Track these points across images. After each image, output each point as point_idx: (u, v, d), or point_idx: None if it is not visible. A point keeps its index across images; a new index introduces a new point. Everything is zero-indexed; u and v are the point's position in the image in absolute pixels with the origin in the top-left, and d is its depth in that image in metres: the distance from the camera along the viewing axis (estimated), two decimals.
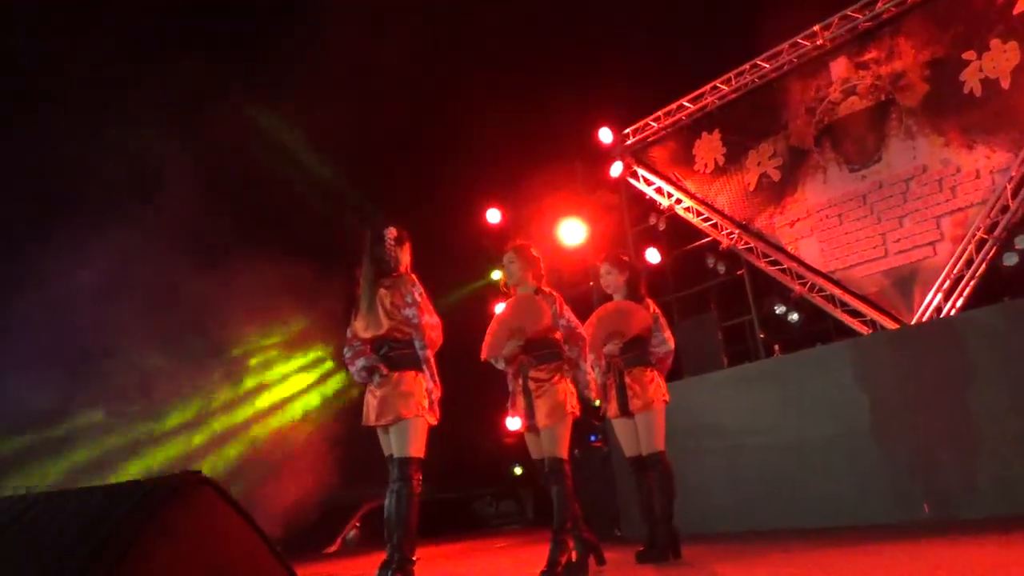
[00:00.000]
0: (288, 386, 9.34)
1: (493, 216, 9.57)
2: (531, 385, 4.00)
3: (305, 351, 9.26)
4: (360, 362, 3.70)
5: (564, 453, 3.94)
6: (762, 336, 8.13)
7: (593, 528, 4.26)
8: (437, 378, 3.71)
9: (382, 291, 3.70)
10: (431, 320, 3.70)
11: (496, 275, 9.02)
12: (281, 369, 9.29)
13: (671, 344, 4.67)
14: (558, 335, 4.10)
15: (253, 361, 8.90)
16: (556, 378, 3.99)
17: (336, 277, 7.88)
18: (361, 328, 3.74)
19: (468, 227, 9.42)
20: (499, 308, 4.25)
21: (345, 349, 3.80)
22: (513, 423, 4.15)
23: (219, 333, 8.25)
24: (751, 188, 8.57)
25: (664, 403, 4.52)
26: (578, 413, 4.01)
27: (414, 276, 3.80)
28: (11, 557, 1.81)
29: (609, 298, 4.83)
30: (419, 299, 3.67)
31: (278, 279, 8.50)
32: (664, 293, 9.06)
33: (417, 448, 3.58)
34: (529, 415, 3.99)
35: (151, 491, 1.74)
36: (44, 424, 7.31)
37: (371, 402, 3.68)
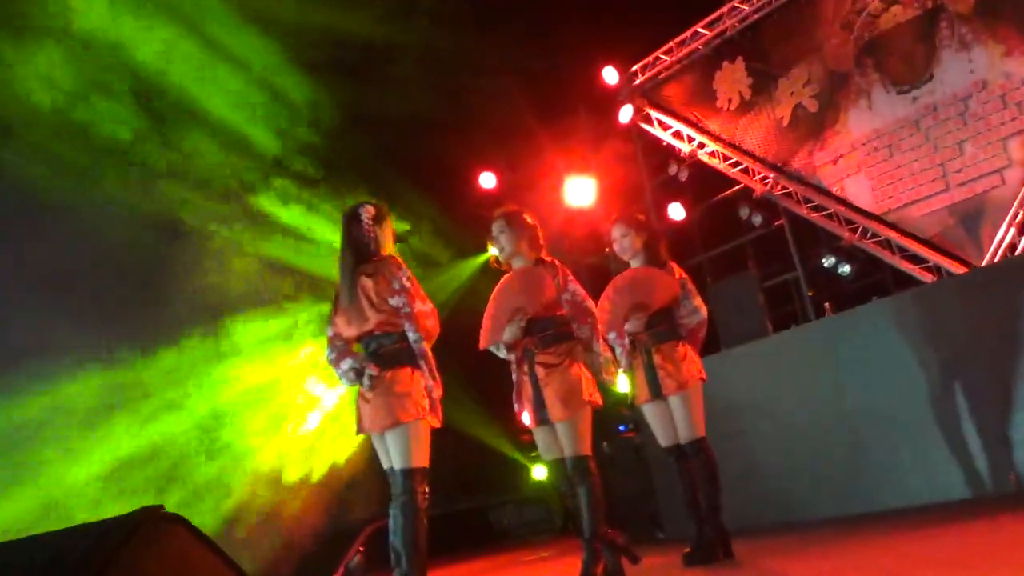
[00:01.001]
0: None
1: (486, 181, 9.56)
2: (539, 372, 3.98)
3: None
4: (346, 363, 3.71)
5: (587, 448, 3.94)
6: (810, 294, 8.13)
7: (632, 531, 4.27)
8: (437, 374, 3.72)
9: (364, 279, 3.70)
10: (424, 307, 3.70)
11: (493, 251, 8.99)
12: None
13: (703, 313, 4.65)
14: (564, 311, 4.08)
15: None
16: (567, 361, 3.97)
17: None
18: (344, 324, 3.74)
19: (458, 196, 9.40)
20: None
21: (327, 350, 3.81)
22: (525, 418, 4.14)
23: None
24: (785, 123, 8.52)
25: (701, 382, 4.51)
26: (598, 401, 4.00)
27: (399, 258, 3.80)
28: None
29: (627, 266, 4.81)
30: (407, 284, 3.67)
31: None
32: (692, 254, 9.05)
33: (420, 456, 3.60)
34: (539, 407, 3.98)
35: (108, 531, 1.75)
36: None
37: (363, 407, 3.69)
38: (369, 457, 3.81)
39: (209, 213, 8.04)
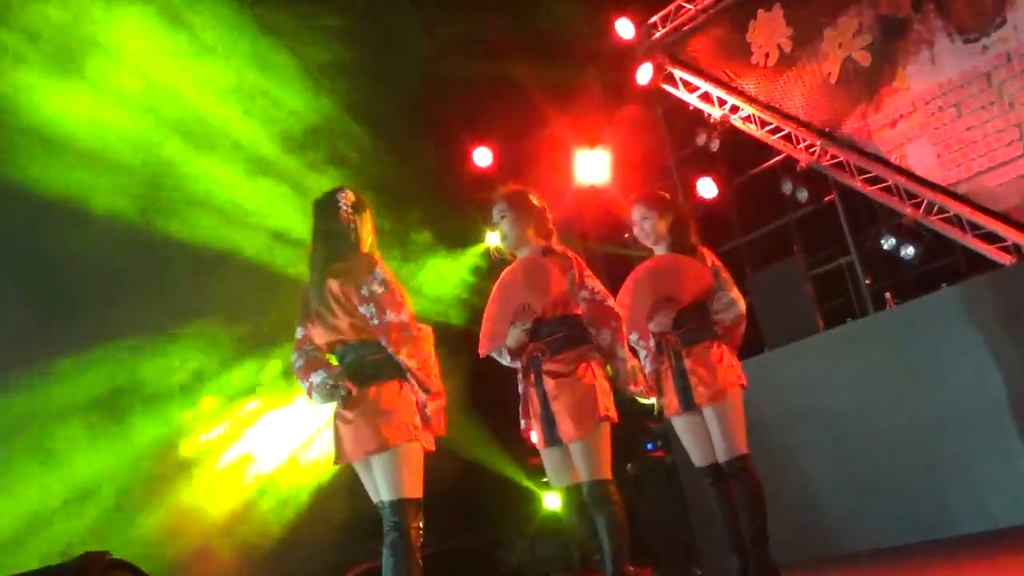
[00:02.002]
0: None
1: (481, 157, 9.51)
2: (547, 383, 3.95)
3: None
4: (318, 376, 3.68)
5: (606, 471, 3.91)
6: (867, 282, 8.06)
7: (663, 566, 4.28)
8: (437, 380, 3.72)
9: (331, 281, 3.68)
10: (399, 318, 3.63)
11: (492, 239, 8.99)
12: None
13: (742, 306, 4.63)
14: (579, 311, 4.06)
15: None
16: (581, 369, 3.93)
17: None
18: (315, 329, 3.74)
19: (448, 175, 9.37)
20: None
21: (294, 356, 3.79)
22: (533, 437, 4.13)
23: None
24: (833, 80, 8.46)
25: (741, 389, 4.48)
26: (615, 416, 3.97)
27: (377, 256, 3.77)
28: None
29: (650, 253, 4.78)
30: (380, 291, 3.62)
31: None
32: (726, 237, 9.01)
33: (412, 485, 3.58)
34: (548, 425, 3.96)
35: None
36: None
37: (342, 430, 3.67)
38: (351, 489, 3.79)
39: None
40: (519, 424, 4.13)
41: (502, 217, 4.17)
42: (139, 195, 7.77)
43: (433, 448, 3.69)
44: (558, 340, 3.99)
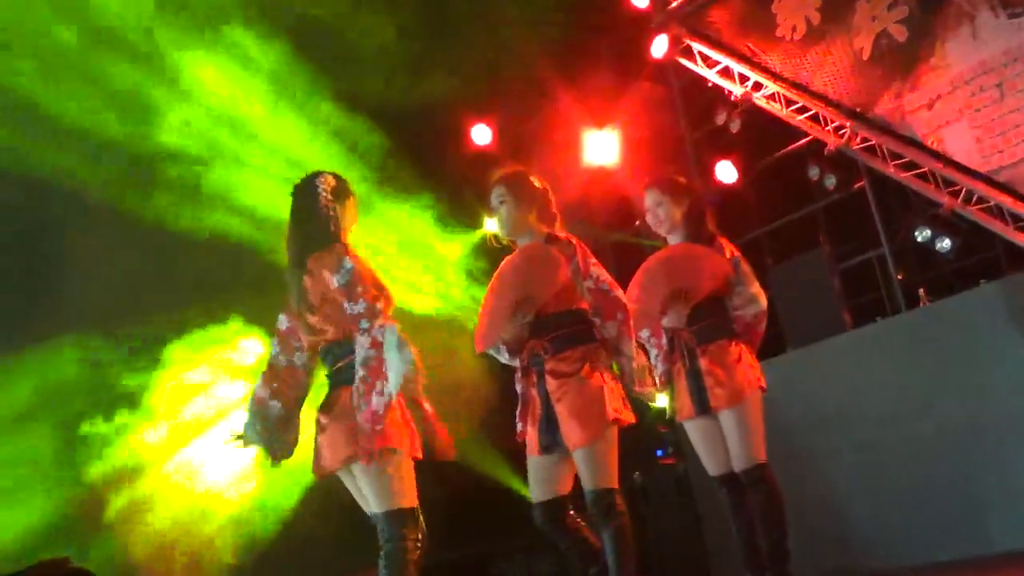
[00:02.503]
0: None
1: (479, 135, 9.50)
2: (549, 383, 3.94)
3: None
4: (252, 409, 3.77)
5: (612, 479, 3.90)
6: (900, 277, 8.06)
7: None
8: (420, 394, 3.71)
9: (307, 279, 3.71)
10: (357, 308, 3.61)
11: (491, 225, 8.97)
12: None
13: (762, 302, 4.64)
14: (585, 304, 4.06)
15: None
16: (586, 369, 3.91)
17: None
18: (300, 331, 3.78)
19: (443, 155, 9.35)
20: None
21: (273, 350, 3.83)
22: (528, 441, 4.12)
23: None
24: (865, 56, 8.42)
25: (760, 391, 4.50)
26: (624, 419, 3.96)
27: (349, 245, 3.77)
28: None
29: (664, 243, 4.80)
30: (345, 280, 3.62)
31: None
32: (747, 227, 9.01)
33: (404, 492, 3.59)
34: (548, 429, 3.94)
35: None
36: None
37: (318, 438, 3.70)
38: (337, 498, 3.79)
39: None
40: (516, 427, 4.12)
41: (501, 202, 4.17)
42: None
43: (420, 455, 3.69)
44: (562, 337, 3.98)
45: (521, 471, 10.38)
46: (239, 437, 3.81)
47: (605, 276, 4.06)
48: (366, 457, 3.52)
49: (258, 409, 3.76)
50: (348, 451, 3.57)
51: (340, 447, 3.59)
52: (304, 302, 3.70)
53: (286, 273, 3.80)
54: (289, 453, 3.80)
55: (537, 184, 4.21)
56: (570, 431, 3.87)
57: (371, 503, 3.61)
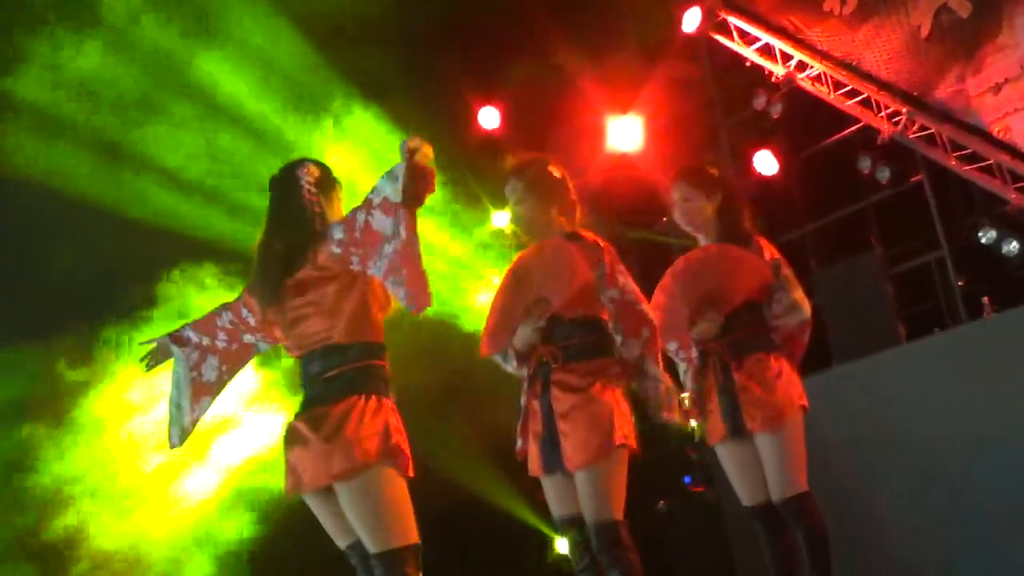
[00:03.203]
0: None
1: (488, 119, 9.55)
2: (555, 396, 3.95)
3: None
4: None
5: (617, 510, 3.91)
6: (960, 284, 8.05)
7: None
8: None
9: (290, 301, 3.68)
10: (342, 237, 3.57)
11: (500, 219, 8.96)
12: None
13: (806, 310, 4.63)
14: (605, 314, 4.07)
15: None
16: (597, 386, 3.93)
17: None
18: (287, 343, 3.78)
19: (447, 140, 9.35)
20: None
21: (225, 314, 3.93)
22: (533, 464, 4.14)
23: None
24: (923, 34, 8.40)
25: (802, 411, 4.50)
26: (635, 445, 3.97)
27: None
28: None
29: (694, 243, 4.81)
30: (339, 237, 3.56)
31: None
32: (788, 225, 9.03)
33: (403, 525, 3.54)
34: (549, 447, 3.96)
35: None
36: None
37: (295, 454, 3.64)
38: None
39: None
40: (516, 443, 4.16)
41: (516, 196, 4.21)
42: None
43: (412, 474, 3.65)
44: (575, 346, 4.00)
45: (529, 499, 10.38)
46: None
47: (632, 287, 4.08)
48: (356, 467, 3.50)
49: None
50: (337, 467, 3.49)
51: (323, 465, 3.52)
52: (285, 319, 3.69)
53: (261, 275, 3.78)
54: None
55: (556, 174, 4.24)
56: (572, 451, 3.89)
57: (363, 537, 3.56)
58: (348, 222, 3.50)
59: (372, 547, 3.51)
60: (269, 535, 8.12)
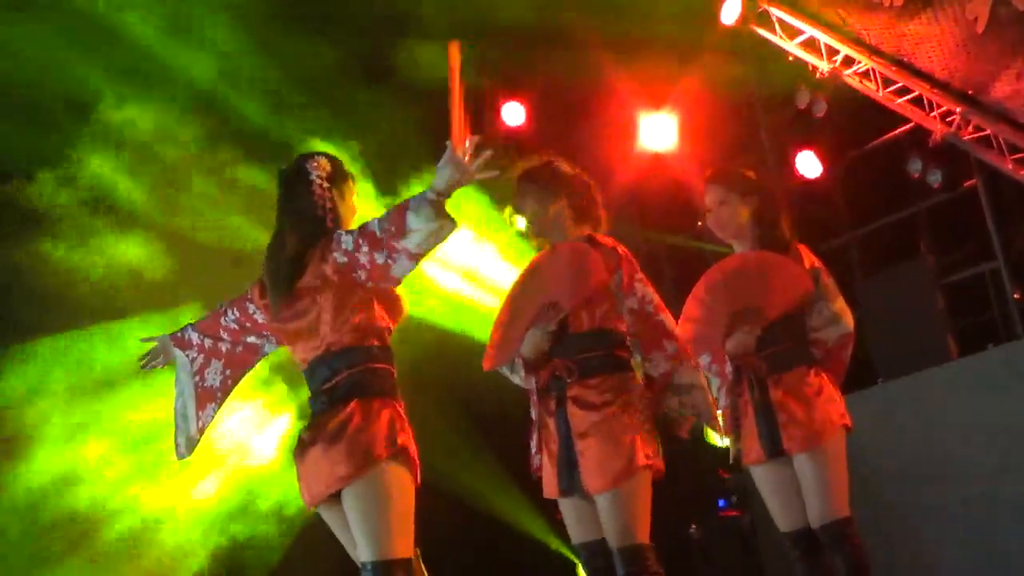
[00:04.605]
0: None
1: (512, 114, 9.57)
2: (573, 413, 3.95)
3: None
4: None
5: (643, 534, 3.91)
6: (1016, 296, 8.01)
7: None
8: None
9: (297, 304, 3.70)
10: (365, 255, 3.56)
11: (520, 222, 8.96)
12: None
13: (848, 322, 4.60)
14: (624, 327, 4.06)
15: None
16: (620, 404, 3.93)
17: None
18: (294, 348, 3.79)
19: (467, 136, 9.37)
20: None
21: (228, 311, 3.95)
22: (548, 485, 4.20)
23: None
24: (980, 28, 8.29)
25: (844, 431, 4.46)
26: (661, 466, 3.98)
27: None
28: None
29: (729, 250, 4.80)
30: (348, 246, 3.57)
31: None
32: (831, 231, 9.02)
33: (399, 534, 3.51)
34: (567, 469, 3.98)
35: None
36: None
37: (302, 465, 3.66)
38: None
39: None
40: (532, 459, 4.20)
41: (526, 202, 4.28)
42: None
43: (418, 482, 3.67)
44: (594, 360, 4.00)
45: (550, 520, 10.34)
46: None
47: (652, 297, 4.11)
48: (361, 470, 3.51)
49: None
50: (343, 469, 3.51)
51: (328, 470, 3.55)
52: (299, 322, 3.73)
53: (271, 275, 3.77)
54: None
55: (568, 170, 4.28)
56: (591, 473, 3.91)
57: (360, 543, 3.55)
58: (361, 239, 3.56)
59: (366, 553, 3.50)
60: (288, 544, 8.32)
